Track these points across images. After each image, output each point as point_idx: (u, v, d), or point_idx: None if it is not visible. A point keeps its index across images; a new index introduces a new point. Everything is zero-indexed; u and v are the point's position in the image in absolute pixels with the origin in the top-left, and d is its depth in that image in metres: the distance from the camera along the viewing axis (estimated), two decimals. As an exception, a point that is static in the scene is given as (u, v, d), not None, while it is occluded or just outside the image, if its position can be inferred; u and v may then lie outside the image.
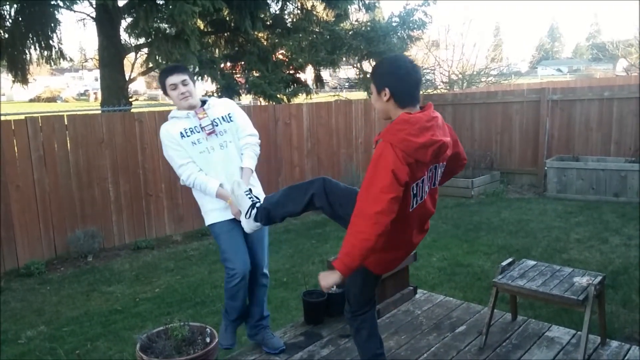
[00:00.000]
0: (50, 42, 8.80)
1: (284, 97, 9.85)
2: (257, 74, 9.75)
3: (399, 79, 2.11)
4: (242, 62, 10.30)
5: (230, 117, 3.04)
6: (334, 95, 14.03)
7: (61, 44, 8.98)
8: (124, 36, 8.76)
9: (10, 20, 8.49)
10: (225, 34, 10.31)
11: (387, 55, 2.59)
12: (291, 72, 10.58)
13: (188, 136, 2.91)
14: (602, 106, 8.37)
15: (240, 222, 2.97)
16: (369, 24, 10.76)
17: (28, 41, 8.69)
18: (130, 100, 9.40)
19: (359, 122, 9.05)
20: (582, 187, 7.85)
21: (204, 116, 2.95)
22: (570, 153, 8.60)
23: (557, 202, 7.74)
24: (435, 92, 15.02)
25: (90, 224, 6.12)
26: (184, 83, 2.92)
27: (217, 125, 2.96)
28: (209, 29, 10.14)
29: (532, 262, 3.33)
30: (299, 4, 10.53)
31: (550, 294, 2.88)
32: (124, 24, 8.51)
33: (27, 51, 8.79)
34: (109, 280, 5.31)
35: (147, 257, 6.05)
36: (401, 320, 3.51)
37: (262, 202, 2.57)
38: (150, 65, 8.61)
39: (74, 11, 8.79)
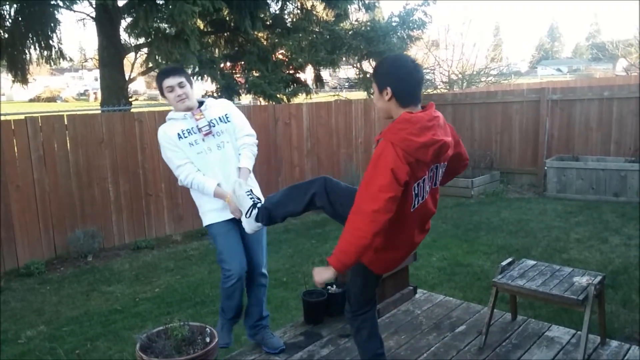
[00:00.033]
0: (50, 42, 8.80)
1: (284, 97, 9.85)
2: (257, 74, 9.75)
3: (400, 79, 2.11)
4: (242, 62, 10.30)
5: (227, 118, 3.05)
6: (334, 95, 14.03)
7: (61, 43, 8.98)
8: (123, 36, 8.76)
9: (10, 20, 8.49)
10: (225, 34, 10.31)
11: (389, 54, 2.58)
12: (291, 72, 10.58)
13: (185, 137, 2.92)
14: (602, 106, 8.37)
15: (237, 222, 3.00)
16: (368, 23, 10.76)
17: (28, 41, 8.69)
18: (130, 100, 9.40)
19: (359, 122, 9.05)
20: (582, 187, 7.86)
21: (201, 117, 2.96)
22: (570, 153, 8.61)
23: (557, 202, 7.74)
24: (435, 92, 15.02)
25: (90, 223, 6.12)
26: (180, 85, 2.92)
27: (214, 126, 2.97)
28: (209, 29, 10.14)
29: (531, 262, 3.33)
30: (299, 4, 10.52)
31: (550, 293, 2.88)
32: (123, 23, 8.51)
33: (27, 51, 8.79)
34: (109, 280, 5.31)
35: (147, 257, 6.05)
36: (401, 320, 3.51)
37: (263, 202, 2.57)
38: (150, 65, 8.60)
39: (74, 11, 8.80)
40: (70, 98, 38.58)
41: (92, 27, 9.34)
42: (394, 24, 10.67)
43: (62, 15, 21.16)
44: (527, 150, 9.13)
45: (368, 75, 11.50)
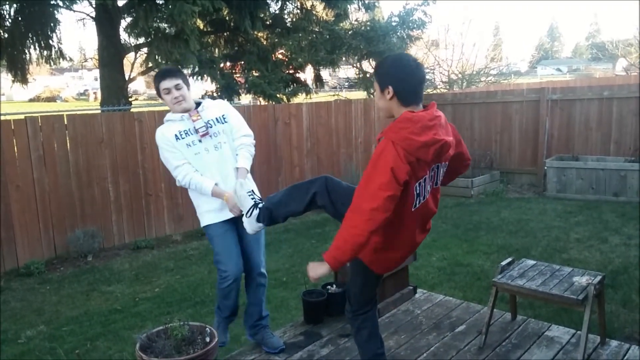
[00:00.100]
0: (50, 41, 8.80)
1: (284, 96, 9.85)
2: (257, 74, 9.75)
3: (402, 78, 2.11)
4: (242, 62, 10.30)
5: (224, 118, 3.06)
6: (334, 95, 14.03)
7: (61, 43, 8.98)
8: (123, 36, 8.76)
9: (10, 20, 8.49)
10: (225, 34, 10.31)
11: (390, 53, 2.60)
12: (291, 71, 10.58)
13: (183, 138, 2.94)
14: (601, 106, 8.37)
15: (235, 223, 3.03)
16: (368, 23, 10.76)
17: (28, 41, 8.69)
18: (130, 100, 9.40)
19: (359, 121, 9.05)
20: (582, 187, 7.86)
21: (198, 118, 2.97)
22: (570, 153, 8.60)
23: (556, 202, 7.74)
24: (434, 91, 15.02)
25: (90, 223, 6.12)
26: (177, 87, 2.94)
27: (210, 127, 2.99)
28: (209, 29, 10.14)
29: (531, 262, 3.33)
30: (299, 4, 10.53)
31: (549, 293, 2.88)
32: (123, 23, 8.51)
33: (26, 51, 8.79)
34: (109, 280, 5.31)
35: (147, 257, 6.05)
36: (401, 320, 3.51)
37: (264, 203, 2.57)
38: (150, 65, 8.60)
39: (74, 11, 8.80)
40: (70, 98, 38.58)
41: (92, 27, 9.34)
42: (393, 23, 10.68)
43: (62, 15, 21.15)
44: (527, 150, 9.14)
45: (368, 75, 11.50)
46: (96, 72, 17.08)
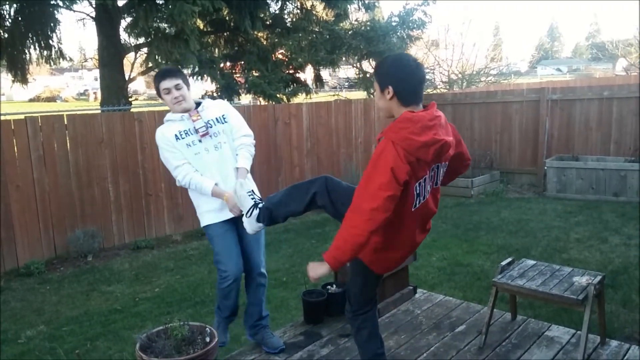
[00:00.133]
0: (50, 41, 8.80)
1: (284, 96, 9.85)
2: (257, 74, 9.75)
3: (402, 78, 2.11)
4: (242, 62, 10.30)
5: (224, 118, 3.06)
6: (334, 95, 14.03)
7: (61, 43, 8.98)
8: (123, 36, 8.76)
9: (10, 20, 8.49)
10: (225, 34, 10.31)
11: (391, 53, 2.59)
12: (291, 71, 10.58)
13: (183, 138, 2.94)
14: (601, 106, 8.38)
15: (235, 223, 3.03)
16: (368, 23, 10.76)
17: (28, 41, 8.69)
18: (130, 99, 9.40)
19: (359, 121, 9.05)
20: (582, 187, 7.86)
21: (198, 118, 2.98)
22: (570, 153, 8.61)
23: (556, 202, 7.74)
24: (434, 91, 15.03)
25: (90, 223, 6.12)
26: (177, 87, 2.94)
27: (210, 127, 2.99)
28: (209, 29, 10.14)
29: (531, 262, 3.33)
30: (299, 4, 10.53)
31: (549, 293, 2.88)
32: (123, 23, 8.51)
33: (26, 51, 8.79)
34: (109, 280, 5.31)
35: (147, 257, 6.05)
36: (401, 320, 3.51)
37: (264, 203, 2.57)
38: (150, 65, 8.60)
39: (74, 11, 8.80)
40: (70, 98, 38.58)
41: (92, 27, 9.35)
42: (393, 23, 10.68)
43: (62, 15, 21.15)
44: (527, 150, 9.14)
45: (368, 75, 11.50)
46: (96, 72, 17.08)
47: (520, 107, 9.15)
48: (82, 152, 6.10)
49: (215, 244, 3.01)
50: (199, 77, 9.18)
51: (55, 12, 8.64)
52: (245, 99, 12.95)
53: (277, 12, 10.41)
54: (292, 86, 10.37)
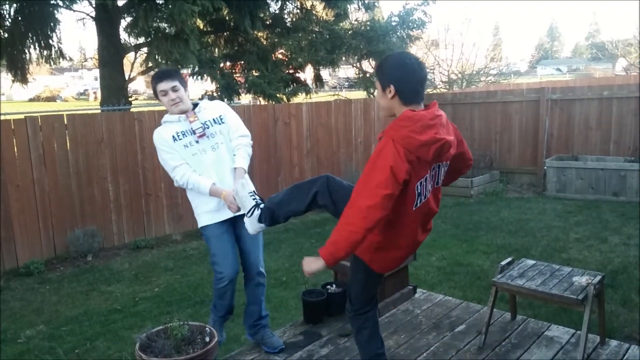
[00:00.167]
0: (50, 41, 8.80)
1: (284, 96, 9.85)
2: (257, 74, 9.75)
3: (404, 77, 2.11)
4: (242, 62, 10.29)
5: (221, 119, 3.08)
6: (334, 95, 14.04)
7: (61, 43, 8.97)
8: (123, 35, 8.76)
9: (10, 20, 8.48)
10: (225, 34, 10.30)
11: (392, 52, 2.58)
12: (291, 71, 10.57)
13: (180, 139, 2.96)
14: (601, 105, 8.38)
15: (232, 224, 3.06)
16: (368, 23, 10.76)
17: (28, 41, 8.69)
18: (130, 99, 9.39)
19: (359, 121, 9.05)
20: (582, 187, 7.86)
21: (195, 119, 2.99)
22: (570, 152, 8.61)
23: (556, 202, 7.74)
24: (434, 91, 15.03)
25: (89, 223, 6.12)
26: (174, 89, 2.95)
27: (207, 128, 3.01)
28: (209, 29, 10.14)
29: (531, 262, 3.33)
30: (299, 4, 10.52)
31: (549, 293, 2.88)
32: (123, 23, 8.51)
33: (26, 50, 8.78)
34: (109, 280, 5.31)
35: (147, 257, 6.05)
36: (400, 320, 3.51)
37: (265, 203, 2.57)
38: (150, 64, 8.60)
39: (74, 11, 8.80)
40: (70, 97, 38.59)
41: (91, 26, 9.35)
42: (393, 23, 10.68)
43: (62, 14, 21.17)
44: (526, 150, 9.14)
45: (368, 75, 11.51)
46: (96, 72, 17.08)
47: (520, 107, 9.15)
48: (82, 151, 6.10)
49: (211, 245, 3.04)
50: (199, 77, 9.17)
51: (55, 11, 8.64)
52: (245, 98, 12.95)
53: (277, 12, 10.41)
54: (292, 86, 10.36)
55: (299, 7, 10.53)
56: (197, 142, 2.97)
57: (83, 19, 8.97)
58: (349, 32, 10.60)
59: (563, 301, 2.87)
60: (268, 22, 10.13)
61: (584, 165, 7.86)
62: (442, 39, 18.95)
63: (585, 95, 8.52)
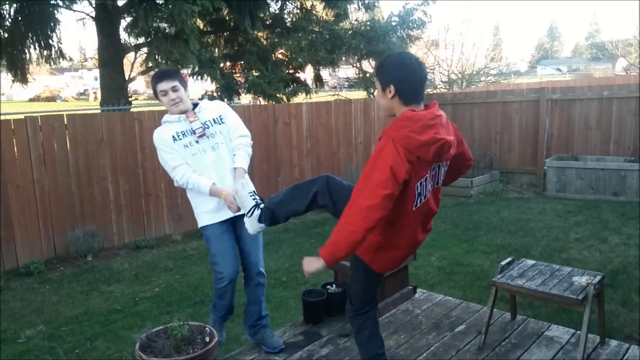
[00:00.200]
0: (50, 41, 8.80)
1: (284, 96, 9.85)
2: (257, 74, 9.75)
3: (404, 77, 2.11)
4: (242, 62, 10.29)
5: (221, 119, 3.09)
6: (334, 95, 14.04)
7: (61, 43, 8.97)
8: (123, 35, 8.76)
9: (9, 20, 8.48)
10: (225, 34, 10.30)
11: (393, 52, 2.59)
12: (291, 71, 10.57)
13: (180, 139, 2.97)
14: (601, 105, 8.38)
15: (232, 224, 3.07)
16: (368, 23, 10.77)
17: (28, 40, 8.69)
18: (130, 99, 9.39)
19: (359, 121, 9.05)
20: (582, 187, 7.86)
21: (195, 119, 3.00)
22: (570, 152, 8.61)
23: (556, 202, 7.74)
24: (434, 91, 15.04)
25: (89, 223, 6.12)
26: (174, 89, 2.96)
27: (207, 128, 3.02)
28: (209, 29, 10.14)
29: (531, 262, 3.33)
30: (299, 4, 10.53)
31: (549, 293, 2.88)
32: (123, 23, 8.51)
33: (26, 50, 8.78)
34: (109, 280, 5.31)
35: (147, 257, 6.05)
36: (400, 320, 3.51)
37: (265, 203, 2.57)
38: (150, 64, 8.60)
39: (74, 11, 8.79)
40: (70, 97, 38.59)
41: (91, 26, 9.35)
42: (393, 23, 10.68)
43: (62, 14, 21.16)
44: (526, 150, 9.14)
45: (368, 75, 11.51)
46: (96, 72, 17.07)
47: (520, 107, 9.15)
48: (82, 151, 6.10)
49: (211, 245, 3.05)
50: (199, 77, 9.17)
51: (55, 11, 8.64)
52: (245, 98, 12.95)
53: (277, 12, 10.41)
54: (292, 86, 10.36)
55: (299, 7, 10.53)
56: (197, 142, 2.97)
57: (83, 19, 8.97)
58: (349, 32, 10.60)
59: (563, 301, 2.87)
60: (268, 22, 10.13)
61: (584, 165, 7.86)
62: (442, 39, 18.97)
63: (585, 95, 8.52)
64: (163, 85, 2.94)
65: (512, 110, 9.23)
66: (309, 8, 10.45)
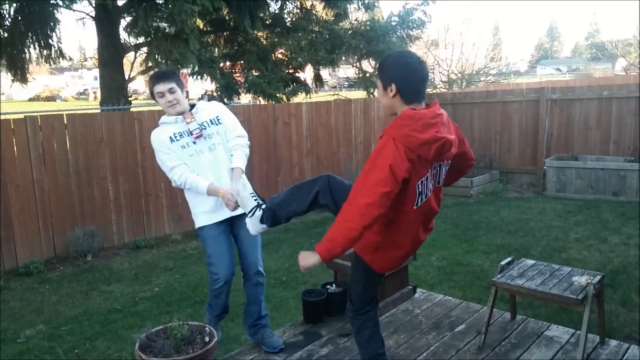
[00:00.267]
0: (50, 41, 8.79)
1: (284, 96, 9.85)
2: (257, 73, 9.75)
3: (405, 75, 2.11)
4: (242, 61, 10.29)
5: (218, 120, 3.10)
6: (334, 95, 14.04)
7: (60, 43, 8.97)
8: (123, 35, 8.76)
9: (9, 20, 8.48)
10: (225, 33, 10.30)
11: (394, 51, 2.60)
12: (290, 71, 10.58)
13: (177, 140, 2.99)
14: (601, 105, 8.38)
15: (229, 225, 3.09)
16: (368, 23, 10.77)
17: (27, 40, 8.68)
18: (130, 99, 9.39)
19: (359, 121, 9.04)
20: (581, 187, 7.86)
21: (192, 120, 3.02)
22: (570, 152, 8.61)
23: (556, 202, 7.74)
24: (434, 91, 15.04)
25: (89, 223, 6.12)
26: (170, 91, 2.97)
27: (204, 129, 3.04)
28: (209, 28, 10.14)
29: (531, 262, 3.33)
30: (299, 3, 10.52)
31: (549, 293, 2.88)
32: (123, 23, 8.51)
33: (26, 50, 8.78)
34: (108, 280, 5.31)
35: (147, 256, 6.05)
36: (400, 320, 3.51)
37: (266, 203, 2.57)
38: (150, 64, 8.60)
39: (74, 10, 8.79)
40: (69, 97, 38.61)
41: (91, 26, 9.33)
42: (393, 23, 10.69)
43: (62, 14, 21.16)
44: (526, 150, 9.14)
45: (367, 75, 11.51)
46: (96, 72, 17.07)
47: (520, 106, 9.15)
48: (82, 151, 6.10)
49: (208, 246, 3.06)
50: (199, 77, 9.17)
51: (55, 11, 8.63)
52: (245, 98, 12.95)
53: (276, 11, 10.41)
54: (291, 86, 10.36)
55: (298, 6, 10.53)
56: (194, 143, 2.99)
57: (83, 18, 8.96)
58: (349, 32, 10.61)
59: (563, 301, 2.87)
60: (268, 22, 10.13)
61: (584, 165, 7.86)
62: (442, 39, 18.97)
63: (585, 95, 8.52)
64: (160, 87, 2.96)
65: (512, 110, 9.23)
66: (308, 8, 10.45)
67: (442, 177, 2.28)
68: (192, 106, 3.10)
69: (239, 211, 2.96)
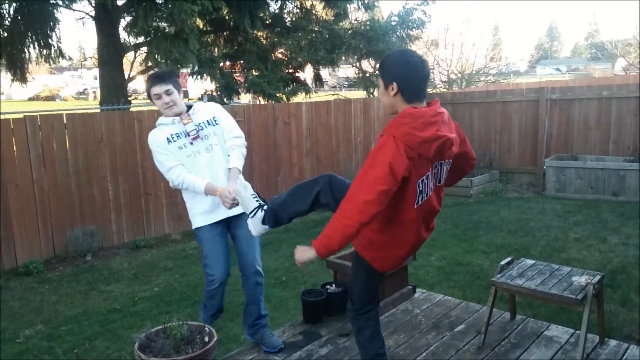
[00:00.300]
0: (50, 40, 8.78)
1: (283, 96, 9.85)
2: (257, 73, 9.75)
3: (406, 74, 2.11)
4: (242, 61, 10.30)
5: (215, 121, 3.12)
6: (333, 95, 14.05)
7: (60, 42, 8.97)
8: (123, 35, 8.75)
9: (9, 19, 8.47)
10: (225, 33, 10.30)
11: (395, 50, 2.62)
12: (290, 71, 10.58)
13: (174, 141, 3.00)
14: (600, 105, 8.38)
15: (227, 226, 3.11)
16: (368, 23, 10.78)
17: (27, 40, 8.67)
18: (130, 99, 9.39)
19: (358, 121, 9.04)
20: (581, 186, 7.86)
21: (189, 121, 3.04)
22: (569, 152, 8.61)
23: (555, 201, 7.74)
24: (434, 91, 15.03)
25: (89, 222, 6.12)
26: (167, 93, 2.99)
27: (201, 130, 3.05)
28: (208, 28, 10.14)
29: (530, 261, 3.33)
30: (298, 3, 10.53)
31: (549, 293, 2.88)
32: (123, 22, 8.51)
33: (26, 50, 8.77)
34: (108, 279, 5.31)
35: (146, 256, 6.05)
36: (400, 320, 3.51)
37: (268, 204, 2.56)
38: (150, 64, 8.60)
39: (73, 10, 8.79)
40: (69, 97, 38.61)
41: (91, 26, 9.33)
42: (393, 23, 10.70)
43: (62, 14, 21.14)
44: (526, 150, 9.14)
45: (367, 75, 11.51)
46: (96, 71, 17.07)
47: (520, 106, 9.15)
48: (82, 151, 6.09)
49: (204, 247, 3.08)
50: (199, 77, 9.17)
51: (55, 11, 8.63)
52: (245, 98, 12.95)
53: (276, 11, 10.41)
54: (291, 85, 10.37)
55: (298, 6, 10.53)
56: (191, 143, 3.01)
57: (83, 18, 8.96)
58: (349, 32, 10.61)
59: (562, 301, 2.87)
60: (268, 22, 10.13)
61: (584, 165, 7.86)
62: (442, 39, 18.96)
63: (585, 95, 8.52)
64: (156, 89, 2.98)
65: (512, 110, 9.23)
66: (308, 8, 10.45)
67: (443, 176, 2.28)
68: (189, 107, 3.12)
69: (235, 211, 2.97)
